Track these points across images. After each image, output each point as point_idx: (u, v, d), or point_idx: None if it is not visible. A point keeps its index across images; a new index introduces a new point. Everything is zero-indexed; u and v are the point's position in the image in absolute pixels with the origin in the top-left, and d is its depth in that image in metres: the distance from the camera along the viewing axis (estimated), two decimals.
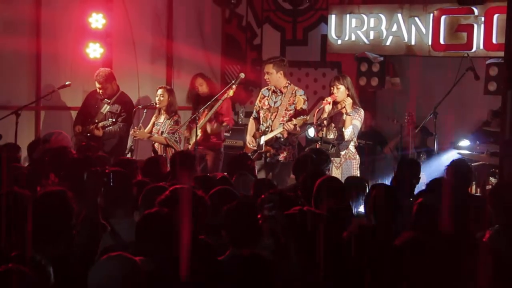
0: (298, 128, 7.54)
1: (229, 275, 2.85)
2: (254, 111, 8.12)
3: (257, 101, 8.10)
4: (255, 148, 7.85)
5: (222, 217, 3.89)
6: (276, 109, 7.86)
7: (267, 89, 8.03)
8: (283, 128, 7.60)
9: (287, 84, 7.90)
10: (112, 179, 4.49)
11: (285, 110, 7.82)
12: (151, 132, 8.50)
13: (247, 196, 4.97)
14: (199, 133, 8.29)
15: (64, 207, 3.88)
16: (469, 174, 5.89)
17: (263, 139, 7.81)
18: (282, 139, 7.76)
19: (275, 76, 7.83)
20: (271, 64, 7.85)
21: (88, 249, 4.08)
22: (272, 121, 7.85)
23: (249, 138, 7.99)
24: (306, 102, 7.88)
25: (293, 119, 7.61)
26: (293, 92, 7.87)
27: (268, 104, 7.94)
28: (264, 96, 8.01)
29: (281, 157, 7.81)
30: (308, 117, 7.65)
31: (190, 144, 8.50)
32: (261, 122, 7.96)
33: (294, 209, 3.81)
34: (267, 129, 7.85)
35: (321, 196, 4.56)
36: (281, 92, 7.88)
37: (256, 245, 3.65)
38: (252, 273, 2.85)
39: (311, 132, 7.39)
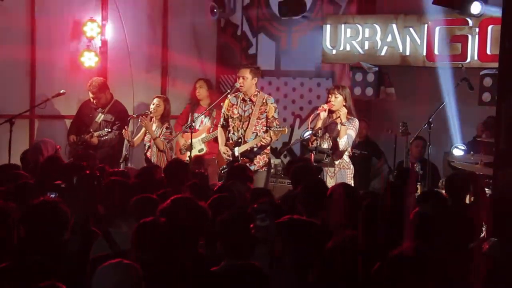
0: (274, 139, 7.57)
1: (224, 285, 2.84)
2: (222, 119, 8.05)
3: (224, 109, 7.99)
4: (230, 158, 7.80)
5: (217, 227, 3.88)
6: (247, 118, 7.81)
7: (235, 96, 7.95)
8: (261, 141, 7.59)
9: (256, 93, 7.86)
10: (110, 188, 4.48)
11: (257, 119, 7.78)
12: (142, 140, 8.50)
13: (243, 206, 4.96)
14: (203, 146, 8.42)
15: (57, 217, 3.88)
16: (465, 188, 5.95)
17: (237, 151, 7.76)
18: (256, 149, 7.74)
19: (249, 82, 7.78)
20: (248, 69, 7.83)
21: (79, 256, 4.06)
22: (245, 131, 7.81)
23: (223, 148, 7.92)
24: (277, 110, 7.86)
25: (270, 130, 7.58)
26: (264, 100, 7.82)
27: (238, 112, 7.89)
28: (233, 104, 7.93)
29: (257, 166, 7.80)
30: (286, 129, 7.65)
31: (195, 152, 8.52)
32: (232, 132, 7.89)
33: (283, 218, 3.81)
34: (239, 140, 7.81)
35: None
36: (251, 100, 7.83)
37: (251, 256, 3.64)
38: (247, 284, 2.83)
39: (306, 135, 7.42)
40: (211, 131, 8.85)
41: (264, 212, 3.82)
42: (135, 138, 8.45)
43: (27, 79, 9.20)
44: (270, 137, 7.55)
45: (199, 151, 8.78)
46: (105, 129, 8.53)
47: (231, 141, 7.87)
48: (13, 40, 8.92)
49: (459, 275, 3.14)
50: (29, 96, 9.20)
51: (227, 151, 7.82)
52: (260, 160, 7.81)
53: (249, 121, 7.78)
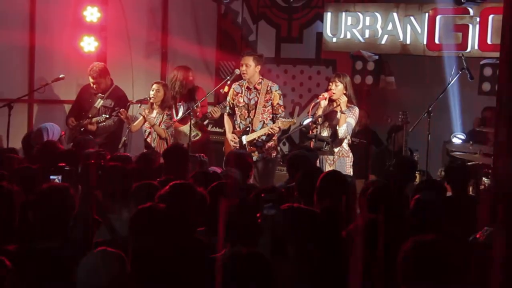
0: (282, 128, 7.59)
1: (228, 273, 2.84)
2: (228, 107, 8.04)
3: (229, 98, 7.98)
4: (237, 146, 7.81)
5: (223, 214, 3.87)
6: (254, 106, 7.82)
7: (239, 85, 7.95)
8: (269, 131, 7.60)
9: (260, 80, 7.85)
10: (110, 174, 4.48)
11: (263, 107, 7.79)
12: (142, 125, 8.48)
13: (247, 195, 4.94)
14: (196, 131, 8.41)
15: (66, 202, 3.89)
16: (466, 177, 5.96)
17: (245, 139, 7.77)
18: (264, 137, 7.75)
19: (252, 70, 7.76)
20: (252, 57, 7.81)
21: (81, 244, 4.07)
22: (252, 119, 7.82)
23: (230, 135, 7.92)
24: (282, 97, 7.88)
25: (278, 120, 7.59)
26: (268, 88, 7.81)
27: (244, 101, 7.89)
28: (237, 93, 7.92)
29: (266, 153, 7.81)
30: (295, 120, 7.66)
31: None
32: (239, 120, 7.90)
33: (283, 206, 3.82)
34: (247, 128, 7.82)
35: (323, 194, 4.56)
36: (255, 88, 7.83)
37: (255, 244, 3.64)
38: (250, 271, 2.84)
39: (306, 121, 7.43)
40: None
41: (272, 201, 3.82)
42: (135, 123, 8.43)
43: (26, 64, 9.17)
44: (278, 127, 7.56)
45: (193, 137, 8.71)
46: (104, 115, 8.51)
47: (238, 129, 7.88)
48: (13, 24, 8.88)
49: (461, 266, 3.15)
50: (28, 80, 9.17)
51: (234, 138, 7.84)
52: (269, 148, 7.82)
53: (255, 110, 7.79)
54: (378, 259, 3.27)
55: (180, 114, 8.67)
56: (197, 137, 8.73)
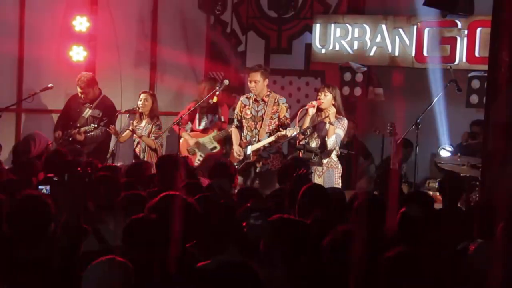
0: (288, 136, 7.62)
1: (213, 281, 2.82)
2: (236, 120, 8.09)
3: (237, 110, 8.05)
4: (242, 157, 7.84)
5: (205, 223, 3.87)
6: (261, 118, 7.87)
7: (246, 97, 8.01)
8: (275, 138, 7.62)
9: (268, 93, 7.91)
10: (99, 184, 4.46)
11: (270, 119, 7.84)
12: (131, 136, 8.48)
13: (229, 203, 4.94)
14: (215, 144, 8.45)
15: (42, 211, 3.86)
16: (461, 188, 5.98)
17: (250, 149, 7.81)
18: (270, 148, 7.78)
19: (261, 85, 7.82)
20: (259, 72, 7.84)
21: (68, 253, 4.04)
22: (258, 131, 7.86)
23: (236, 148, 7.96)
24: (288, 110, 7.92)
25: (285, 130, 7.61)
26: (276, 100, 7.87)
27: (251, 113, 7.93)
28: (245, 105, 7.98)
29: (271, 165, 7.82)
30: (299, 129, 7.68)
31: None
32: (246, 132, 7.95)
33: (274, 217, 3.81)
34: (253, 139, 7.86)
35: (307, 205, 4.56)
36: (263, 101, 7.88)
37: (238, 253, 3.64)
38: (236, 280, 2.82)
39: (289, 132, 7.43)
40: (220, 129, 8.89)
41: (258, 211, 3.82)
42: (123, 135, 8.44)
43: (14, 73, 9.13)
44: (284, 134, 7.55)
45: (212, 149, 8.77)
46: (92, 124, 8.49)
47: (244, 141, 7.91)
48: (1, 33, 8.83)
49: (447, 277, 3.16)
50: (17, 89, 9.13)
51: (240, 151, 7.86)
52: (273, 160, 7.83)
53: (262, 121, 7.83)
54: (355, 271, 3.27)
55: (203, 125, 8.79)
56: (215, 150, 8.81)
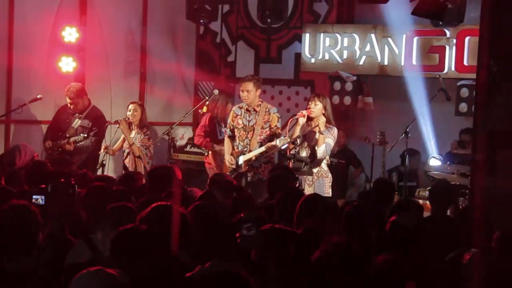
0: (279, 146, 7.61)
1: None
2: (228, 130, 8.10)
3: (230, 120, 8.07)
4: (234, 167, 7.84)
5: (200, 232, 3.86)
6: (252, 127, 7.88)
7: (239, 107, 8.03)
8: (265, 149, 7.62)
9: (259, 103, 7.93)
10: (92, 194, 4.44)
11: (261, 128, 7.85)
12: (121, 147, 8.47)
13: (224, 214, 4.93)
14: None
15: (28, 221, 3.82)
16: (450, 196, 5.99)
17: (241, 159, 7.81)
18: (261, 158, 7.78)
19: (253, 95, 7.84)
20: (252, 82, 7.85)
21: (53, 265, 4.02)
22: (250, 140, 7.87)
23: (228, 157, 7.96)
24: (280, 120, 7.93)
25: (276, 140, 7.59)
26: (267, 110, 7.89)
27: (242, 123, 7.94)
28: (237, 115, 8.00)
29: (262, 175, 7.82)
30: (290, 139, 7.67)
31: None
32: (238, 141, 7.95)
33: (265, 226, 3.81)
34: (245, 149, 7.86)
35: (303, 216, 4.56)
36: (254, 110, 7.89)
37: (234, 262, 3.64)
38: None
39: (279, 142, 7.42)
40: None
41: (251, 221, 3.82)
42: (114, 147, 8.45)
43: (3, 84, 9.10)
44: (275, 145, 7.53)
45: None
46: (81, 134, 8.47)
47: (236, 150, 7.91)
48: None
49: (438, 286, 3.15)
50: (6, 100, 9.10)
51: (231, 160, 7.85)
52: (265, 169, 7.82)
53: (253, 131, 7.83)
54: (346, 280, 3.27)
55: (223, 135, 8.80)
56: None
